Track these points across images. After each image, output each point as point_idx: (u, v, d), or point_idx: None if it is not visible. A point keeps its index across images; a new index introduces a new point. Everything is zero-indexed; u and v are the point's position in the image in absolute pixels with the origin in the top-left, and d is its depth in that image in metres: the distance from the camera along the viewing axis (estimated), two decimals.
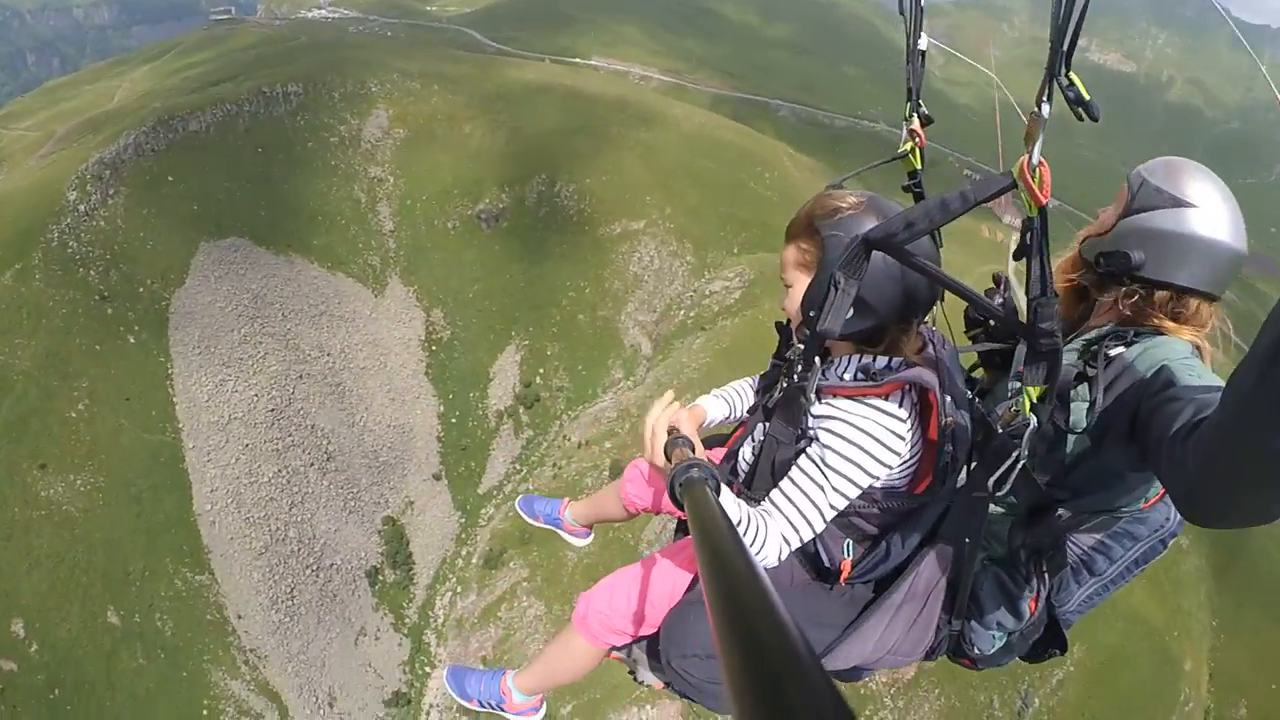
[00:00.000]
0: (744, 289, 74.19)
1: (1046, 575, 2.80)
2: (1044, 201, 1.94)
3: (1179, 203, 2.62)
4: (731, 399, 3.41)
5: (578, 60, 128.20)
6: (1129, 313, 2.78)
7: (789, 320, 2.75)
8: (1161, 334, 2.68)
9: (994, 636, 2.90)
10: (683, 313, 73.16)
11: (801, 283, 2.53)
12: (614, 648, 3.29)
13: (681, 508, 2.05)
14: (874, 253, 2.28)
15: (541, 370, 68.28)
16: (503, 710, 3.58)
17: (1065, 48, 1.77)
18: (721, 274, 76.02)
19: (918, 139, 3.34)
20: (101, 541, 48.00)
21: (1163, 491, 2.68)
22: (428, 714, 53.47)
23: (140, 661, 46.13)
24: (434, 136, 76.83)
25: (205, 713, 47.06)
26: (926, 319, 2.67)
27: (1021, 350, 2.37)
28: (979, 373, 3.48)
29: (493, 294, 70.73)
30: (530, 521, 4.70)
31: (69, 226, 56.44)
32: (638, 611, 3.01)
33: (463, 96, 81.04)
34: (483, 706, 3.65)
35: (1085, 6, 1.74)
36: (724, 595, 0.85)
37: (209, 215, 62.52)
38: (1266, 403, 1.48)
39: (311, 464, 58.36)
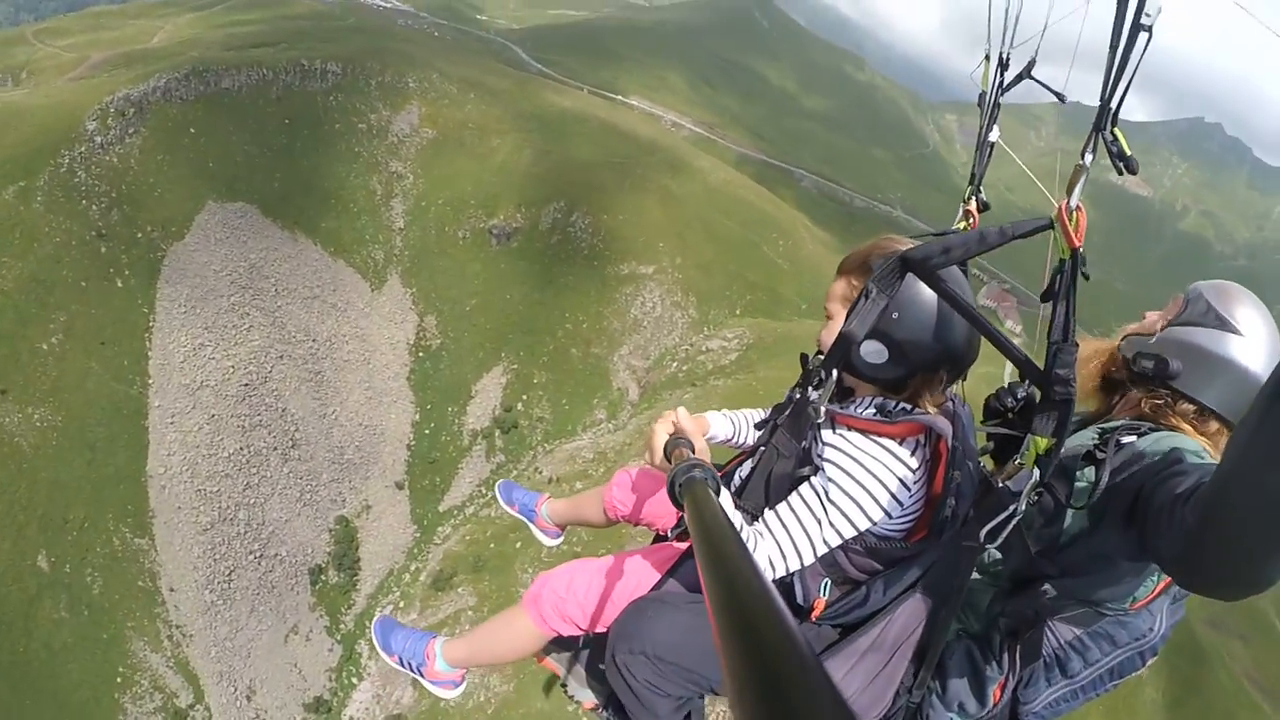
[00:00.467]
0: (741, 352, 73.73)
1: (1019, 661, 2.74)
2: (1077, 245, 1.98)
3: (1225, 326, 2.65)
4: (737, 422, 3.41)
5: (616, 96, 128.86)
6: (1149, 411, 2.77)
7: (817, 352, 2.71)
8: (1177, 431, 2.65)
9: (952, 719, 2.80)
10: (676, 365, 72.46)
11: (842, 317, 2.50)
12: (552, 643, 3.25)
13: (680, 507, 1.96)
14: (914, 296, 2.34)
15: (525, 397, 67.26)
16: (421, 674, 3.48)
17: (1114, 105, 1.91)
18: (721, 333, 75.61)
19: (971, 219, 3.52)
20: (46, 482, 46.48)
21: (1150, 596, 2.64)
22: None
23: (62, 614, 44.42)
24: (461, 143, 76.44)
25: (119, 680, 45.34)
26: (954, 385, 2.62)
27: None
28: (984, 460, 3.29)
29: (490, 311, 69.87)
30: (505, 508, 4.58)
31: (81, 156, 55.34)
32: (596, 603, 2.95)
33: (497, 109, 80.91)
34: (402, 665, 3.54)
35: (1135, 69, 1.87)
36: (726, 594, 0.85)
37: (223, 175, 61.69)
38: (1268, 440, 1.52)
39: (275, 448, 56.92)
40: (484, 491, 62.48)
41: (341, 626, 56.04)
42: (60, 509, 46.39)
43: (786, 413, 2.74)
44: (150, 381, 52.74)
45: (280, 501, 55.98)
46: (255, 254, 60.51)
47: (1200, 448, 2.52)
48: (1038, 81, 3.34)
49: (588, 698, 3.34)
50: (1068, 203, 1.99)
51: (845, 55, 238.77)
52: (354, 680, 53.51)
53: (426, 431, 64.42)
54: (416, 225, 71.53)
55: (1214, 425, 2.69)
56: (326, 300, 63.70)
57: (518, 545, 57.04)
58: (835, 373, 2.49)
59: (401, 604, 55.83)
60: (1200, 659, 47.13)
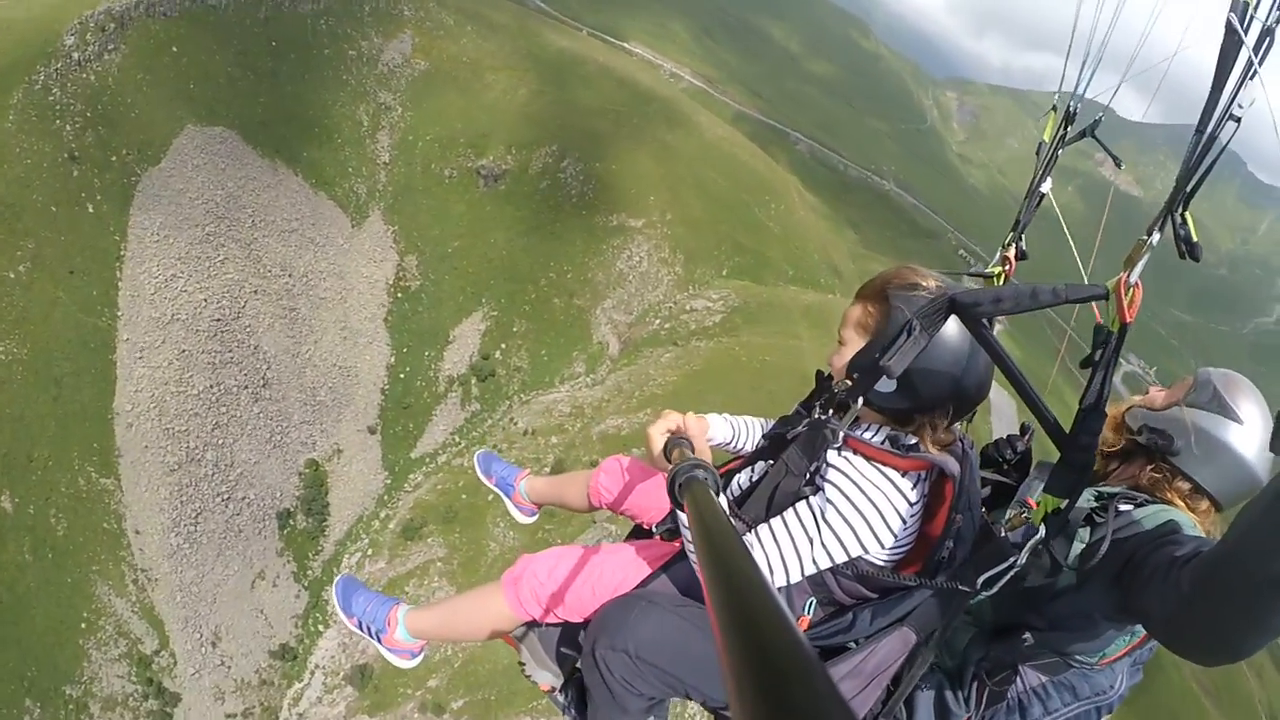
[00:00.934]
0: (725, 314, 72.95)
1: (984, 701, 2.79)
2: (1128, 320, 2.03)
3: (1228, 413, 2.74)
4: (737, 427, 3.32)
5: (617, 41, 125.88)
6: (1146, 483, 2.85)
7: (829, 374, 2.68)
8: (1172, 506, 2.74)
9: None
10: (659, 322, 71.62)
11: (855, 343, 2.50)
12: (523, 626, 3.21)
13: (680, 506, 2.03)
14: (939, 336, 2.30)
15: (504, 345, 66.24)
16: (379, 641, 3.37)
17: (1189, 189, 1.96)
18: (706, 293, 74.71)
19: (1008, 266, 3.57)
20: (10, 418, 44.78)
21: (1118, 655, 2.77)
22: (311, 674, 51.08)
23: (26, 556, 43.16)
24: (454, 78, 74.20)
25: (83, 625, 44.28)
26: (959, 423, 2.58)
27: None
28: None
29: (473, 255, 68.32)
30: (482, 479, 4.44)
31: (57, 72, 52.74)
32: (577, 593, 2.91)
33: (494, 45, 78.53)
34: (360, 629, 3.43)
35: (1219, 155, 1.94)
36: (727, 594, 0.85)
37: (204, 98, 59.29)
38: (1268, 530, 1.75)
39: (246, 386, 55.37)
40: (457, 440, 61.85)
41: (309, 573, 55.21)
42: (25, 447, 44.83)
43: (800, 430, 2.63)
44: (119, 314, 50.79)
45: (249, 443, 54.59)
46: (233, 182, 58.36)
47: (1193, 524, 2.63)
48: (1099, 142, 3.37)
49: (545, 680, 3.26)
50: (1126, 277, 2.00)
51: (852, 21, 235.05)
52: (320, 628, 53.08)
53: (402, 375, 63.32)
54: (402, 160, 69.57)
55: (1204, 504, 2.79)
56: (305, 234, 61.86)
57: (490, 499, 56.13)
58: (860, 401, 2.41)
59: (370, 551, 55.39)
60: (1151, 659, 48.07)
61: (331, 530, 56.92)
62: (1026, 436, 3.22)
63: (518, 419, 62.13)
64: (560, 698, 3.30)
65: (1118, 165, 3.35)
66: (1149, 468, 2.89)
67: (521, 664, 3.33)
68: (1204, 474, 2.77)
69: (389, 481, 59.72)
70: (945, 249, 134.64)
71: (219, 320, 55.18)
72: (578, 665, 3.18)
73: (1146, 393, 3.11)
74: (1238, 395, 2.80)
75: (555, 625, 3.20)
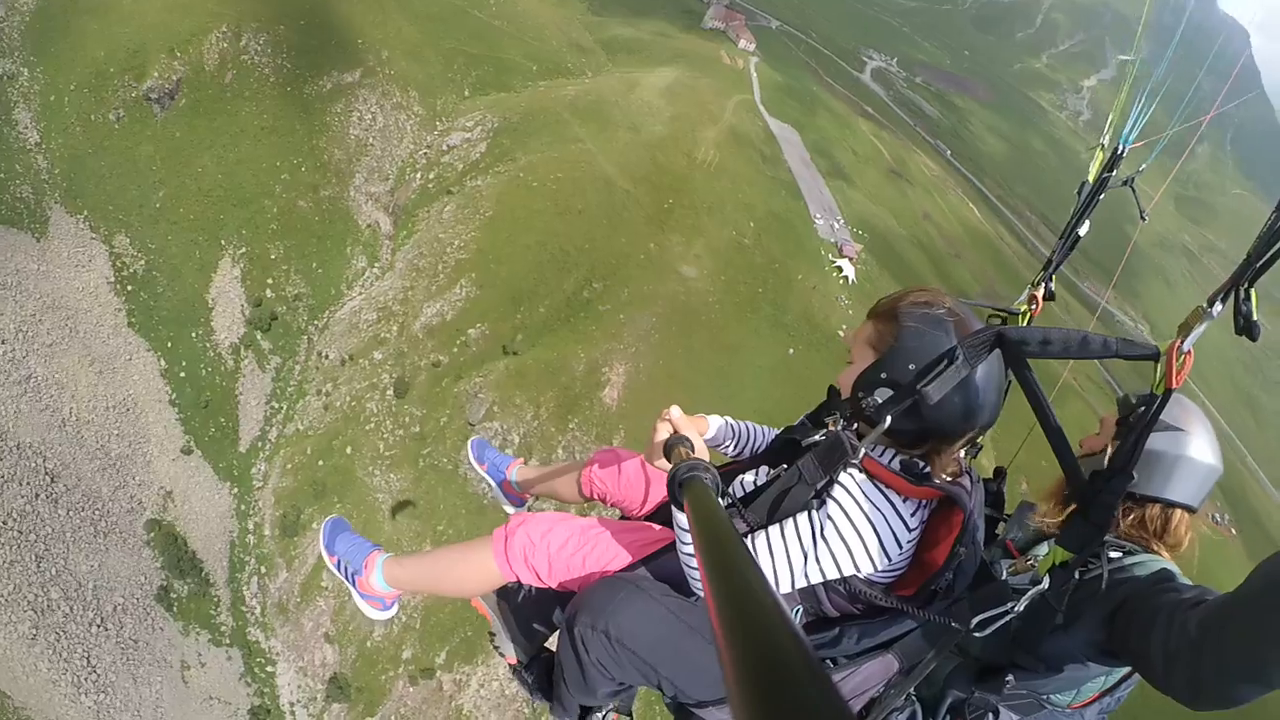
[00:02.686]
0: (489, 139, 67.00)
1: None
2: (1175, 385, 2.08)
3: (1172, 428, 2.83)
4: (740, 431, 3.31)
5: None
6: (1128, 533, 2.89)
7: (839, 389, 2.67)
8: (1155, 555, 2.80)
9: None
10: (420, 176, 65.22)
11: (864, 361, 2.50)
12: (497, 595, 3.29)
13: (680, 505, 2.11)
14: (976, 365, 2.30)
15: (270, 280, 58.34)
16: (353, 584, 3.34)
17: (1259, 265, 1.95)
18: (458, 124, 68.05)
19: (1035, 306, 3.50)
20: None
21: (1088, 700, 2.88)
22: (293, 713, 48.25)
23: None
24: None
25: None
26: (962, 451, 2.58)
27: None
28: None
29: (185, 197, 57.89)
30: (475, 466, 4.39)
31: None
32: (566, 561, 2.89)
33: None
34: (337, 569, 3.43)
35: None
36: (727, 593, 0.86)
37: None
38: None
39: (36, 495, 46.12)
40: (278, 408, 55.89)
41: (224, 629, 50.13)
42: None
43: (819, 439, 2.73)
44: None
45: (79, 550, 46.47)
46: None
47: (1181, 574, 2.66)
48: (1133, 192, 3.54)
49: (513, 653, 3.28)
50: (1180, 343, 2.05)
51: None
52: (269, 670, 49.32)
53: (181, 375, 54.70)
54: (55, 131, 56.64)
55: (1178, 515, 2.86)
56: None
57: (347, 450, 52.38)
58: (888, 420, 2.38)
59: (264, 570, 50.99)
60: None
61: (214, 576, 50.88)
62: (1000, 480, 3.13)
63: (326, 351, 56.52)
64: (526, 676, 3.30)
65: (1142, 219, 3.58)
66: (1120, 511, 2.82)
67: (491, 634, 3.41)
68: (1174, 491, 2.84)
69: (235, 491, 53.37)
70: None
71: None
72: (546, 644, 3.28)
73: (1080, 446, 3.11)
74: (1177, 409, 2.86)
75: (531, 599, 3.27)
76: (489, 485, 4.34)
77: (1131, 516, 2.88)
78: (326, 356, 56.01)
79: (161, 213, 56.92)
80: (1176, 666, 2.12)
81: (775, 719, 0.59)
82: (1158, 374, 2.10)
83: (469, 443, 4.65)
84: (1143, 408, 2.18)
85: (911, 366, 2.35)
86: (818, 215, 79.13)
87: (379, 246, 61.74)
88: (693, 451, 2.35)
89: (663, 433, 2.57)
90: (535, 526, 2.95)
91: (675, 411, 2.65)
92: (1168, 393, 2.09)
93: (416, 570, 3.27)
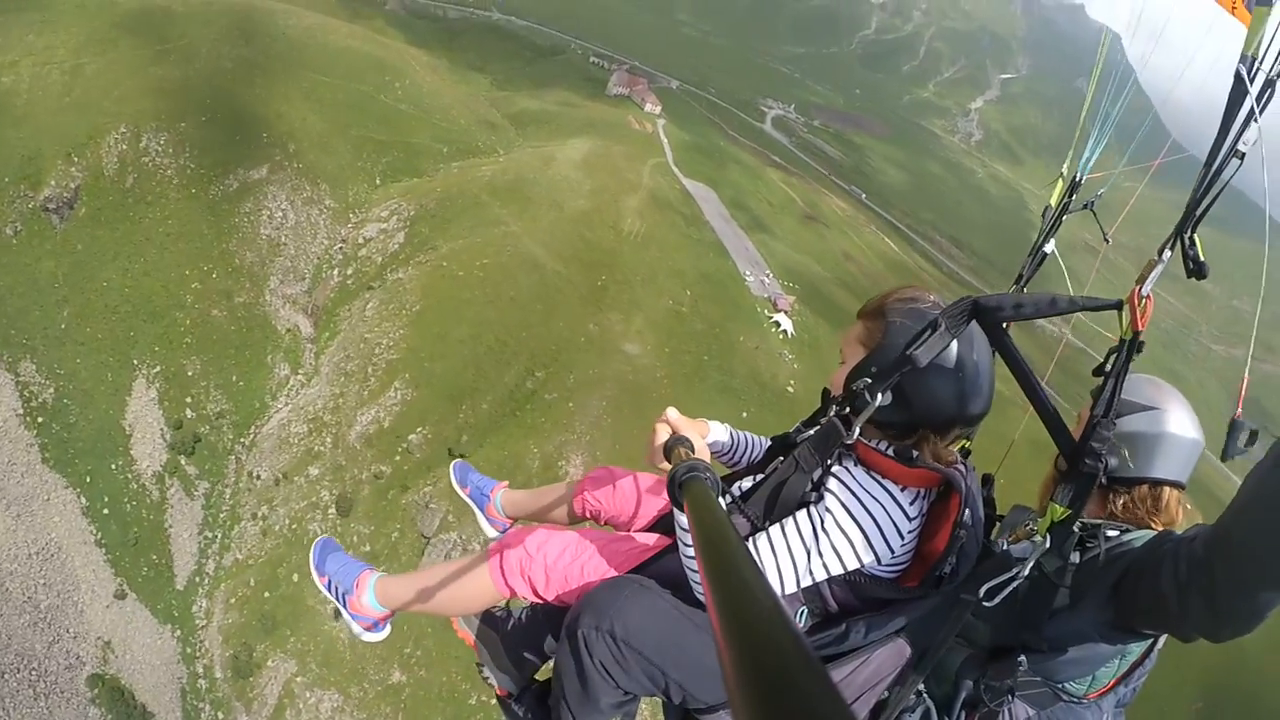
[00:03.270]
0: (406, 228, 64.63)
1: None
2: (1140, 328, 2.20)
3: (1146, 407, 2.87)
4: (737, 438, 3.33)
5: None
6: (1121, 514, 2.89)
7: (831, 391, 2.68)
8: (1151, 530, 2.78)
9: None
10: (337, 272, 62.33)
11: (856, 358, 2.51)
12: (481, 621, 3.28)
13: (680, 506, 2.09)
14: (953, 348, 2.36)
15: (189, 399, 54.63)
16: (344, 604, 3.23)
17: (1199, 214, 2.18)
18: (373, 214, 65.58)
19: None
20: None
21: (1105, 688, 2.81)
22: None
23: None
24: None
25: None
26: (958, 443, 2.62)
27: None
28: None
29: (92, 315, 53.83)
30: (457, 489, 4.20)
31: None
32: (565, 570, 2.84)
33: None
34: (328, 590, 3.30)
35: (1223, 188, 2.19)
36: (728, 593, 0.86)
37: None
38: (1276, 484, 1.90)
39: None
40: (212, 538, 51.58)
41: None
42: None
43: (814, 432, 2.68)
44: None
45: (20, 717, 41.61)
46: None
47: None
48: (1095, 216, 3.72)
49: (503, 683, 3.22)
50: (1139, 289, 2.18)
51: None
52: None
53: (105, 512, 49.98)
54: None
55: (1167, 493, 2.88)
56: None
57: (294, 578, 48.44)
58: (881, 395, 2.37)
59: (220, 716, 46.46)
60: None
61: None
62: (989, 486, 3.05)
63: (258, 470, 52.67)
64: (517, 708, 3.21)
65: (1106, 240, 3.78)
66: (1110, 495, 2.93)
67: (479, 664, 3.32)
68: (1159, 468, 2.85)
69: (179, 633, 48.63)
70: (578, 61, 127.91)
71: None
72: (535, 676, 3.24)
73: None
74: (1142, 388, 2.91)
75: (520, 627, 3.21)
76: (472, 509, 4.18)
77: (1123, 499, 2.90)
78: (258, 477, 52.23)
79: (67, 334, 52.58)
80: (1190, 594, 2.11)
81: (776, 719, 0.59)
82: (1123, 321, 2.21)
83: (451, 466, 4.43)
84: (1114, 355, 2.30)
85: (918, 365, 2.35)
86: (747, 272, 79.02)
87: (301, 352, 58.46)
88: (692, 452, 2.32)
89: (662, 434, 2.56)
90: (531, 539, 2.91)
91: (674, 413, 2.68)
92: (1135, 336, 2.20)
93: (410, 588, 3.14)
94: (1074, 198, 3.66)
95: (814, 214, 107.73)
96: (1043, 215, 3.74)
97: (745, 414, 62.62)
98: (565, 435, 54.73)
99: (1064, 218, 3.65)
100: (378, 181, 68.22)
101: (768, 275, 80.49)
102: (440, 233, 63.72)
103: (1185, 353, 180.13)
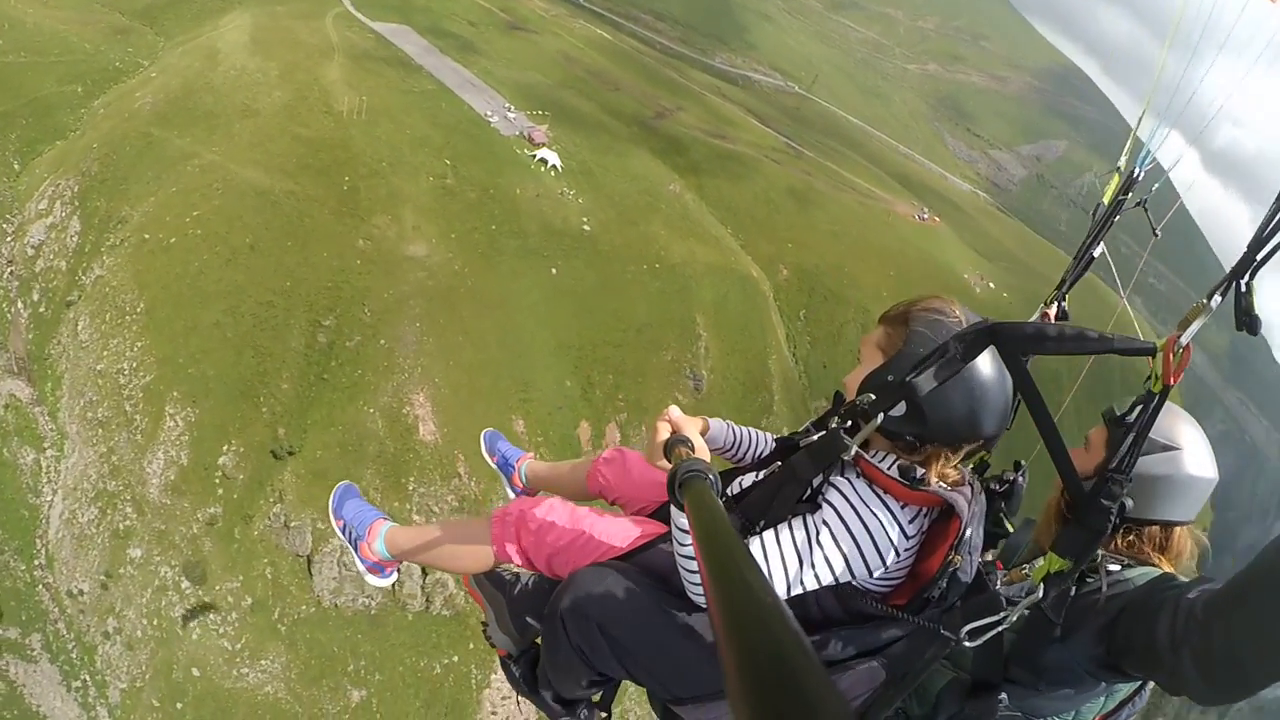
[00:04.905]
0: (78, 212, 50.26)
1: None
2: (1172, 382, 2.01)
3: (1170, 447, 2.73)
4: (739, 435, 3.30)
5: None
6: (1124, 549, 2.78)
7: (845, 394, 2.61)
8: (1154, 566, 2.71)
9: None
10: (21, 304, 47.76)
11: (872, 363, 2.47)
12: (489, 579, 3.27)
13: (680, 505, 2.06)
14: (976, 363, 2.26)
15: None
16: (355, 548, 3.40)
17: (1260, 257, 1.94)
18: (30, 211, 50.74)
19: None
20: None
21: None
22: None
23: None
24: None
25: None
26: (968, 462, 2.56)
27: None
28: None
29: None
30: (485, 457, 4.38)
31: None
32: (561, 544, 2.84)
33: None
34: (342, 533, 3.50)
35: None
36: (728, 592, 0.87)
37: None
38: None
39: None
40: (81, 684, 39.21)
41: None
42: None
43: (813, 439, 2.62)
44: None
45: None
46: None
47: (1180, 576, 2.59)
48: (1147, 214, 3.54)
49: (504, 644, 3.30)
50: (1178, 338, 1.97)
51: None
52: None
53: None
54: None
55: (1178, 532, 2.78)
56: None
57: (194, 672, 38.99)
58: (880, 417, 2.33)
59: None
60: None
61: None
62: (1020, 472, 2.99)
63: (72, 587, 40.62)
64: (514, 668, 3.28)
65: (1155, 235, 3.49)
66: (1116, 535, 2.78)
67: (484, 623, 3.39)
68: (1173, 510, 2.75)
69: None
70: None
71: None
72: (537, 640, 3.21)
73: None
74: (1164, 424, 2.71)
75: (526, 592, 3.21)
76: (500, 477, 4.23)
77: (1130, 538, 2.78)
78: (81, 592, 40.19)
79: None
80: (1183, 653, 2.07)
81: (776, 718, 0.59)
82: (1154, 370, 2.03)
83: (482, 435, 4.53)
84: (1139, 407, 2.19)
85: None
86: (489, 112, 69.59)
87: (34, 423, 44.22)
88: (693, 451, 2.31)
89: (663, 433, 2.54)
90: (531, 509, 2.90)
91: (675, 411, 2.65)
92: (1165, 389, 2.04)
93: (415, 540, 3.24)
94: (1129, 195, 3.44)
95: (516, 21, 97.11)
96: (1093, 214, 3.54)
97: (554, 270, 57.13)
98: (394, 378, 46.98)
99: (1115, 218, 3.42)
100: (16, 166, 51.58)
101: (510, 111, 71.57)
102: (122, 199, 49.54)
103: (883, 73, 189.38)
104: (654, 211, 67.68)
